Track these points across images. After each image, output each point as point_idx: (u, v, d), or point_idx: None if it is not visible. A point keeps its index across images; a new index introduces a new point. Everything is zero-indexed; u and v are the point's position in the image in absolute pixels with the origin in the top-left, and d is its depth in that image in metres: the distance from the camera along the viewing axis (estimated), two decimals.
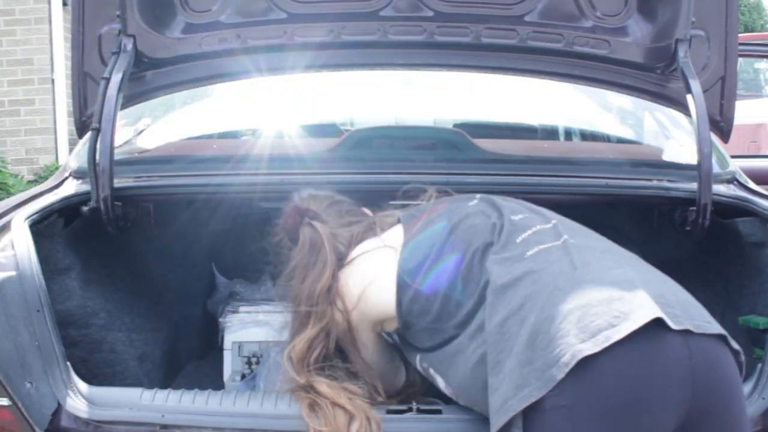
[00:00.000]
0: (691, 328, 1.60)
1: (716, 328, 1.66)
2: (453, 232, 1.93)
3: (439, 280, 1.87)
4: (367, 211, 2.23)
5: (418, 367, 1.99)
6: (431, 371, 1.93)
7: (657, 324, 1.57)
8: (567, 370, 1.53)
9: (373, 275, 1.99)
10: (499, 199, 2.02)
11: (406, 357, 2.05)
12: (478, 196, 2.06)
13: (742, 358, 1.70)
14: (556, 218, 1.93)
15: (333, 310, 2.00)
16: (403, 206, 2.21)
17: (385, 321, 2.01)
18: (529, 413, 1.58)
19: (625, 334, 1.54)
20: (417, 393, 2.08)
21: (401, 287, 1.92)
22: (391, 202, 2.29)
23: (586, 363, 1.53)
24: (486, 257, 1.83)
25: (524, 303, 1.67)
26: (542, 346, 1.58)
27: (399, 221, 2.08)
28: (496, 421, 1.62)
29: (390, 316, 1.96)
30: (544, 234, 1.84)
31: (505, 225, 1.88)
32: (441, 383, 1.92)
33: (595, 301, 1.60)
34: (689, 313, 1.64)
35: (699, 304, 1.73)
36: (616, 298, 1.61)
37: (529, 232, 1.84)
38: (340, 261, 2.06)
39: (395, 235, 2.04)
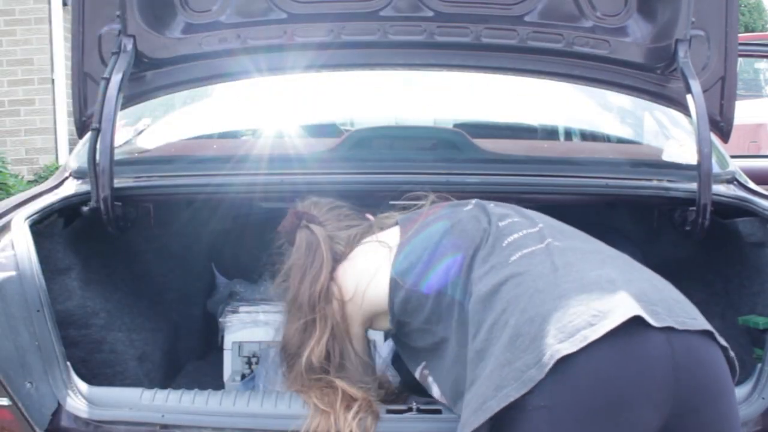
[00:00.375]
0: (673, 325, 1.58)
1: (701, 324, 1.64)
2: (446, 236, 1.94)
3: (431, 282, 1.89)
4: (369, 216, 2.26)
5: (418, 374, 2.00)
6: (430, 379, 1.95)
7: (637, 322, 1.56)
8: (546, 370, 1.53)
9: (369, 272, 2.02)
10: (491, 205, 2.03)
11: (407, 364, 2.06)
12: (473, 201, 2.08)
13: (731, 353, 1.69)
14: (543, 222, 1.93)
15: (332, 304, 2.04)
16: (404, 207, 2.22)
17: (377, 317, 2.04)
18: (510, 413, 1.57)
19: (602, 333, 1.54)
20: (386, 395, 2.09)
21: (393, 288, 1.95)
22: (392, 202, 2.29)
23: (564, 363, 1.53)
24: (474, 263, 1.84)
25: (506, 307, 1.68)
26: (522, 348, 1.59)
27: (397, 223, 2.11)
28: (474, 421, 1.62)
29: (383, 311, 1.99)
30: (529, 238, 1.85)
31: (492, 231, 1.89)
32: (436, 392, 1.93)
33: (575, 302, 1.60)
34: (673, 310, 1.62)
35: (685, 301, 1.71)
36: (595, 298, 1.61)
37: (515, 236, 1.86)
38: (338, 261, 2.10)
39: (392, 236, 2.07)
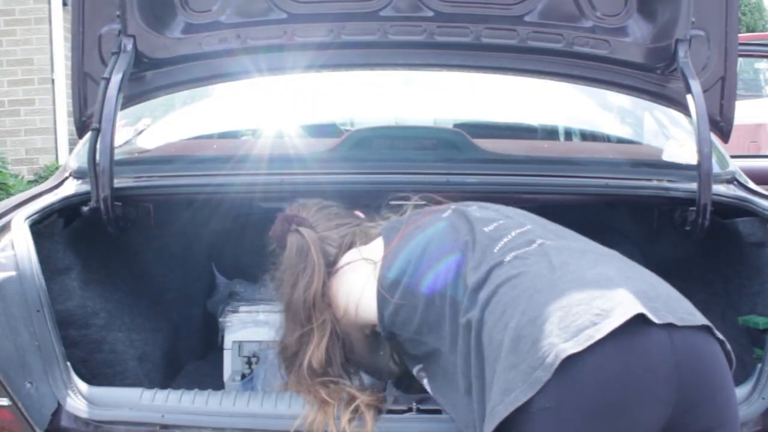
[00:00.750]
0: (674, 322, 1.58)
1: (699, 319, 1.64)
2: (426, 249, 1.93)
3: (417, 295, 1.89)
4: (359, 213, 2.26)
5: (414, 373, 2.00)
6: (425, 381, 1.95)
7: (639, 320, 1.56)
8: (552, 370, 1.52)
9: (356, 288, 2.03)
10: (473, 209, 2.01)
11: (406, 363, 2.07)
12: (452, 206, 2.06)
13: (728, 346, 1.68)
14: (531, 222, 1.92)
15: (330, 315, 2.05)
16: (391, 210, 2.22)
17: (375, 325, 2.04)
18: (516, 416, 1.56)
19: (607, 332, 1.53)
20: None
21: (381, 302, 1.96)
22: (391, 201, 2.29)
23: (569, 363, 1.52)
24: (459, 274, 1.82)
25: (505, 309, 1.66)
26: (526, 349, 1.57)
27: (380, 234, 2.11)
28: (486, 429, 1.62)
29: (376, 322, 2.01)
30: (520, 239, 1.83)
31: (478, 239, 1.87)
32: (430, 391, 1.94)
33: (576, 301, 1.59)
34: (671, 307, 1.62)
35: (681, 297, 1.71)
36: (596, 296, 1.59)
37: (506, 239, 1.84)
38: (331, 265, 2.11)
39: (376, 249, 2.07)
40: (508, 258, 1.77)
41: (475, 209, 2.01)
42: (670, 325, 1.58)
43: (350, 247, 2.14)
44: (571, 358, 1.52)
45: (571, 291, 1.62)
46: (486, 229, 1.89)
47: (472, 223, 1.93)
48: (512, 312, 1.65)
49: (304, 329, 2.05)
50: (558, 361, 1.52)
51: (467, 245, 1.87)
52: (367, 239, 2.15)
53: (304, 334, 2.05)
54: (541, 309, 1.61)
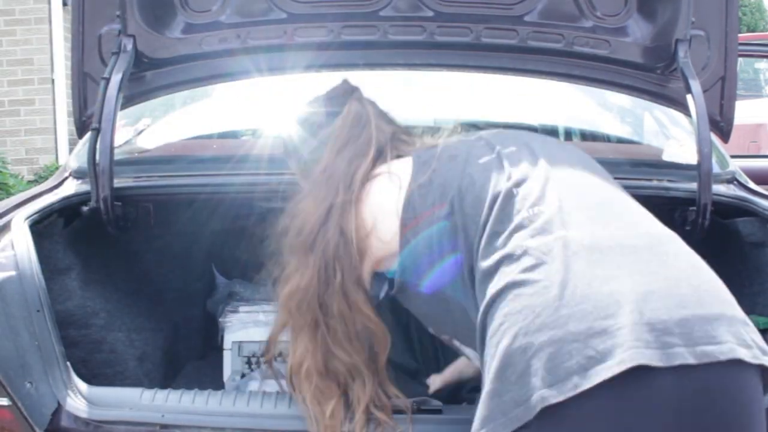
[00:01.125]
0: (689, 361, 1.41)
1: (726, 352, 1.43)
2: (462, 191, 1.77)
3: (442, 278, 1.77)
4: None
5: (447, 341, 1.90)
6: (455, 342, 1.86)
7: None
8: (533, 413, 1.43)
9: (383, 208, 1.85)
10: (511, 157, 1.80)
11: (432, 329, 1.96)
12: (496, 150, 1.84)
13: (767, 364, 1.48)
14: (562, 197, 1.69)
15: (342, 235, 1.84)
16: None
17: (383, 260, 1.89)
18: None
19: (594, 384, 1.40)
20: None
21: (403, 238, 1.80)
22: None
23: (551, 409, 1.42)
24: (479, 248, 1.68)
25: (503, 322, 1.54)
26: (511, 380, 1.48)
27: (410, 155, 1.95)
28: None
29: (393, 254, 1.84)
30: (538, 222, 1.64)
31: (502, 201, 1.70)
32: (471, 353, 1.82)
33: (571, 336, 1.45)
34: (694, 337, 1.43)
35: (720, 315, 1.49)
36: (596, 332, 1.44)
37: (523, 215, 1.66)
38: (379, 158, 1.93)
39: (405, 169, 1.89)
40: (519, 251, 1.61)
41: (514, 151, 1.81)
42: (682, 366, 1.41)
43: (381, 153, 1.96)
44: (553, 405, 1.42)
45: (571, 320, 1.47)
46: (516, 190, 1.71)
47: (510, 174, 1.75)
48: (507, 328, 1.53)
49: (332, 207, 1.83)
50: (539, 407, 1.44)
51: (491, 207, 1.70)
52: (400, 154, 1.98)
53: (333, 207, 1.83)
54: (534, 337, 1.47)
